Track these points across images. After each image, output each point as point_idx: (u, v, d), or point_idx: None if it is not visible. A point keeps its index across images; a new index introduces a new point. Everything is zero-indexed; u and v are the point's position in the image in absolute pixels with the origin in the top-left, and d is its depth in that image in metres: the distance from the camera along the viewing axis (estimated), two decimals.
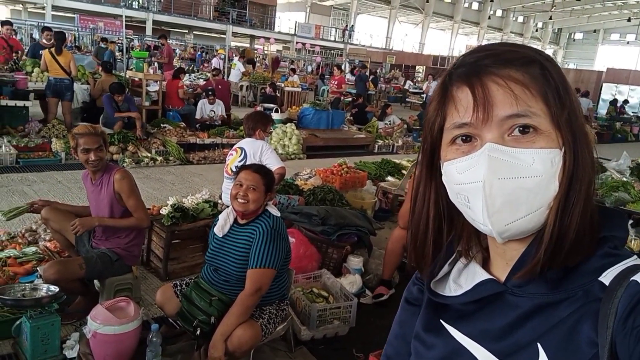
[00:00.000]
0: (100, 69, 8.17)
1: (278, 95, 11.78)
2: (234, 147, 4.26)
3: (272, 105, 9.61)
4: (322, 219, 3.75)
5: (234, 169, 3.97)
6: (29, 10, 28.54)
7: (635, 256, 0.63)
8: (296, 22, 33.95)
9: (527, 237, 0.65)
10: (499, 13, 47.59)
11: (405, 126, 11.78)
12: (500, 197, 0.61)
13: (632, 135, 17.05)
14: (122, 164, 6.64)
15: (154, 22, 27.26)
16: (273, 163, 3.99)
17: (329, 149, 9.30)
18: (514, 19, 48.87)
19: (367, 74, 19.12)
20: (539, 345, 0.62)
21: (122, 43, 14.53)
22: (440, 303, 0.76)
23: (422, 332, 0.78)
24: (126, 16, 26.71)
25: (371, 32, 39.73)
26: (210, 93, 9.06)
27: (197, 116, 8.91)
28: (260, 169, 2.66)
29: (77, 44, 19.62)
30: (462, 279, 0.75)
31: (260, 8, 32.50)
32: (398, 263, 3.72)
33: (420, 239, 0.76)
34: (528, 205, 0.61)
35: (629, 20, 41.83)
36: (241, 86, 15.06)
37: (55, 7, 24.74)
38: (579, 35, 56.23)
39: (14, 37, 9.21)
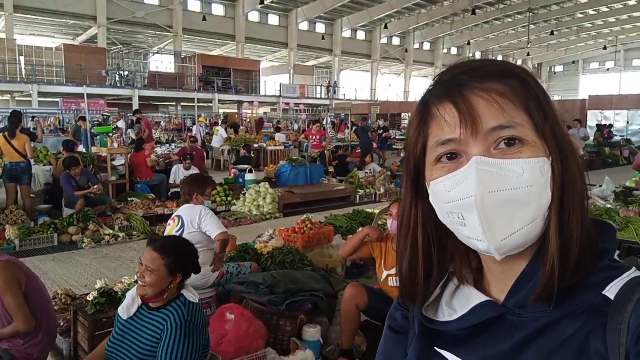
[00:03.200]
0: (62, 148, 7.96)
1: (252, 155, 11.53)
2: (173, 215, 3.88)
3: (245, 166, 9.33)
4: (268, 286, 3.31)
5: None
6: (16, 99, 29.08)
7: (634, 268, 0.63)
8: (281, 83, 34.58)
9: (525, 252, 0.64)
10: (477, 55, 48.76)
11: (389, 173, 11.48)
12: (493, 211, 0.59)
13: (623, 158, 16.75)
14: (80, 244, 6.24)
15: (140, 97, 27.67)
16: (213, 229, 3.60)
17: (308, 204, 8.94)
18: (494, 58, 49.92)
19: (354, 126, 19.20)
20: None
21: (99, 120, 14.43)
22: (432, 330, 0.72)
23: None
24: (112, 95, 27.43)
25: (355, 85, 40.47)
26: (187, 157, 8.83)
27: (171, 181, 8.61)
28: (163, 247, 2.22)
29: (61, 127, 19.72)
30: (455, 303, 0.71)
31: (244, 74, 33.18)
32: (357, 326, 3.25)
33: (412, 267, 0.72)
34: (522, 217, 0.60)
35: (604, 48, 42.78)
36: (222, 150, 14.96)
37: (41, 94, 25.16)
38: (559, 68, 57.34)
39: None
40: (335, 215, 6.35)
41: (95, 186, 7.18)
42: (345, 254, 3.47)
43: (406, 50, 43.38)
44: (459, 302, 0.71)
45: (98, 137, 8.55)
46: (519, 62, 51.46)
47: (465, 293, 0.71)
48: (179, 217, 3.72)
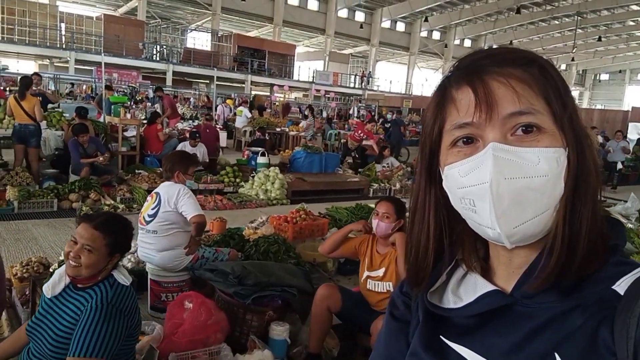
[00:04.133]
0: (75, 115, 7.91)
1: (267, 138, 11.30)
2: (152, 192, 3.69)
3: (258, 149, 9.12)
4: (237, 277, 3.08)
5: (147, 218, 3.40)
6: (55, 64, 29.62)
7: None
8: (315, 70, 34.24)
9: (535, 244, 0.63)
10: None
11: (409, 169, 11.11)
12: (507, 197, 0.59)
13: None
14: (79, 212, 6.16)
15: (175, 72, 27.77)
16: (189, 210, 3.40)
17: (319, 193, 8.69)
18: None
19: (381, 118, 18.74)
20: (556, 355, 0.59)
21: (124, 92, 14.47)
22: (438, 318, 0.71)
23: (421, 351, 0.71)
24: (147, 68, 27.69)
25: (391, 77, 39.80)
26: (196, 136, 8.68)
27: None
28: (103, 224, 2.01)
29: (93, 95, 19.96)
30: (461, 291, 0.70)
31: (279, 58, 32.96)
32: (327, 329, 3.00)
33: (422, 251, 0.73)
34: (535, 206, 0.60)
35: None
36: (244, 131, 14.80)
37: (78, 61, 25.53)
38: (604, 77, 55.09)
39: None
40: (337, 208, 6.08)
41: (101, 155, 7.09)
42: (324, 251, 3.21)
43: (446, 46, 42.27)
44: (465, 290, 0.70)
45: (113, 106, 8.45)
46: (562, 67, 49.87)
47: (472, 281, 0.70)
48: (157, 194, 3.53)
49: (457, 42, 43.46)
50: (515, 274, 0.66)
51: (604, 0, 33.10)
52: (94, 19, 28.25)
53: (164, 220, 3.42)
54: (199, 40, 36.17)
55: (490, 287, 0.67)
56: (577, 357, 0.58)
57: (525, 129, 0.60)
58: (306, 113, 15.13)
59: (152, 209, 3.47)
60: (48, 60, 29.68)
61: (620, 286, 0.60)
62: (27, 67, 29.01)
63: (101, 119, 9.09)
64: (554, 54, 46.70)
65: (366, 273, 3.02)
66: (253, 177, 8.07)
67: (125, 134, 8.37)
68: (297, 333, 3.23)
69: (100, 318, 1.82)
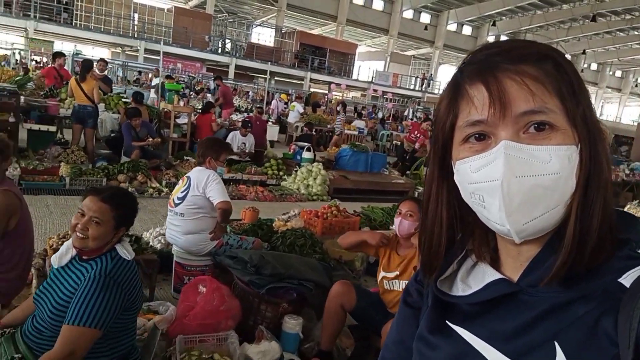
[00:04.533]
0: (132, 99, 8.24)
1: (314, 134, 11.30)
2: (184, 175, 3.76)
3: (305, 144, 9.14)
4: (254, 266, 3.08)
5: (176, 201, 3.46)
6: (126, 52, 31.06)
7: None
8: (375, 70, 34.00)
9: (542, 237, 0.64)
10: (593, 67, 44.74)
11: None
12: (518, 196, 0.60)
13: None
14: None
15: (237, 66, 28.39)
16: (216, 196, 3.43)
17: (362, 192, 8.59)
18: (611, 73, 45.68)
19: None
20: (555, 343, 0.60)
21: (184, 81, 14.94)
22: (446, 304, 0.74)
23: (427, 334, 0.75)
24: (211, 60, 28.51)
25: None
26: (248, 125, 8.82)
27: None
28: (111, 197, 2.04)
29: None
30: (470, 279, 0.73)
31: (340, 56, 32.98)
32: (340, 327, 2.93)
33: (436, 240, 0.74)
34: (546, 203, 0.60)
35: None
36: (296, 126, 14.92)
37: (147, 50, 26.63)
38: None
39: (65, 68, 9.62)
40: (373, 207, 5.98)
41: (152, 139, 7.34)
42: (343, 245, 3.14)
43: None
44: (474, 279, 0.72)
45: (167, 93, 8.73)
46: None
47: (481, 270, 0.72)
48: (188, 177, 3.60)
49: None
50: (522, 266, 0.67)
51: None
52: (165, 10, 29.37)
53: (192, 204, 3.47)
54: (263, 36, 36.87)
55: (497, 276, 0.69)
56: (577, 346, 0.59)
57: (538, 127, 0.61)
58: (338, 109, 14.96)
59: (182, 192, 3.53)
60: (120, 49, 31.17)
61: (627, 279, 0.60)
62: (101, 53, 30.54)
63: (158, 106, 9.42)
64: (632, 66, 43.98)
65: (382, 274, 2.94)
66: (296, 171, 8.09)
67: (178, 120, 8.62)
68: (312, 329, 3.19)
69: (97, 289, 1.85)
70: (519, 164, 0.60)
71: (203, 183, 3.46)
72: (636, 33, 36.45)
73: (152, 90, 12.58)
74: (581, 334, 0.59)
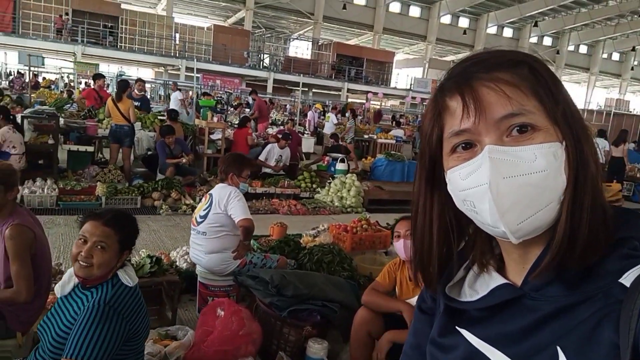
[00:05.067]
0: (167, 117, 8.36)
1: (342, 144, 11.12)
2: (207, 193, 3.69)
3: (339, 155, 8.99)
4: (275, 287, 2.94)
5: (199, 219, 3.39)
6: (169, 71, 32.01)
7: None
8: (413, 77, 33.61)
9: (542, 238, 0.65)
10: None
11: None
12: (509, 196, 0.61)
13: None
14: (159, 210, 6.46)
15: (275, 80, 28.72)
16: (238, 214, 3.33)
17: (398, 203, 8.35)
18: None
19: None
20: (558, 348, 0.61)
21: (221, 97, 15.15)
22: (456, 310, 0.75)
23: (438, 338, 0.77)
24: (249, 75, 28.97)
25: None
26: (289, 137, 8.77)
27: (262, 158, 8.56)
28: (114, 220, 1.95)
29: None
30: (477, 285, 0.74)
31: (377, 65, 32.84)
32: (368, 356, 2.74)
33: (426, 253, 0.76)
34: (538, 201, 0.61)
35: None
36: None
37: (188, 69, 27.34)
38: None
39: (105, 89, 9.90)
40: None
41: (185, 156, 7.39)
42: (365, 303, 2.82)
43: (558, 52, 39.36)
44: (481, 285, 0.73)
45: (202, 109, 8.81)
46: None
47: (487, 276, 0.73)
48: (210, 195, 3.52)
49: (571, 47, 40.31)
50: (525, 270, 0.68)
51: None
52: (205, 29, 30.14)
53: (214, 222, 3.39)
54: (300, 49, 37.15)
55: (501, 281, 0.70)
56: (579, 350, 0.59)
57: (520, 129, 0.62)
58: (347, 115, 14.60)
59: (204, 210, 3.45)
60: (163, 68, 32.17)
61: (627, 279, 0.60)
62: (146, 73, 31.57)
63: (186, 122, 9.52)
64: None
65: None
66: (329, 183, 7.96)
67: (212, 136, 8.68)
68: (338, 352, 3.03)
69: (95, 319, 1.75)
70: (505, 165, 0.61)
71: (225, 200, 3.37)
72: None
73: (172, 104, 12.56)
74: (583, 337, 0.59)
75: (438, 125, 0.69)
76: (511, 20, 36.10)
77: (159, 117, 8.96)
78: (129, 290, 1.91)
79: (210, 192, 3.59)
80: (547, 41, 40.50)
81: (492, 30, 37.76)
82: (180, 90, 14.37)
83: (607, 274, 0.61)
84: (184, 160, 7.39)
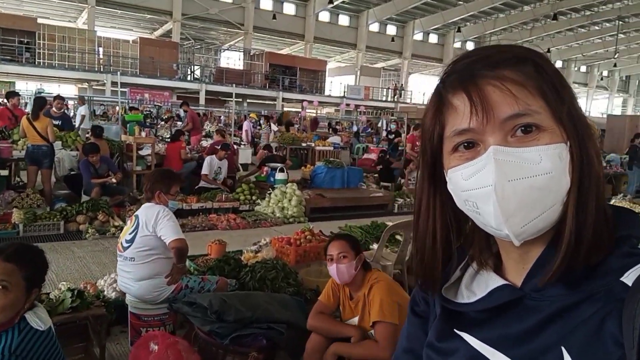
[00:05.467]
0: (90, 134, 7.80)
1: (278, 154, 10.93)
2: (132, 214, 3.36)
3: (277, 165, 8.75)
4: (215, 312, 2.68)
5: (125, 244, 3.07)
6: (93, 87, 30.49)
7: None
8: (346, 84, 34.03)
9: (542, 238, 0.64)
10: (559, 64, 45.57)
11: None
12: (514, 199, 0.60)
13: None
14: (85, 235, 5.95)
15: (208, 92, 28.11)
16: (168, 234, 3.03)
17: (340, 210, 8.26)
18: (576, 69, 46.58)
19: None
20: (562, 348, 0.60)
21: (150, 111, 14.52)
22: (453, 312, 0.73)
23: (436, 342, 0.75)
24: (181, 88, 28.16)
25: (424, 90, 39.11)
26: (227, 147, 8.41)
27: (205, 172, 8.14)
28: (16, 255, 1.65)
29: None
30: (474, 286, 0.73)
31: (310, 74, 33.00)
32: None
33: (429, 253, 0.74)
34: (542, 203, 0.60)
35: None
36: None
37: (114, 84, 26.15)
38: None
39: (20, 107, 9.14)
40: (351, 226, 5.63)
41: (112, 176, 6.90)
42: (312, 328, 2.67)
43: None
44: (478, 286, 0.72)
45: (128, 124, 8.31)
46: (604, 74, 47.83)
47: (485, 277, 0.72)
48: (136, 217, 3.20)
49: None
50: (525, 270, 0.67)
51: None
52: (130, 42, 29.00)
53: (142, 245, 3.07)
54: (232, 60, 36.62)
55: (501, 282, 0.69)
56: (583, 349, 0.58)
57: (525, 130, 0.61)
58: (261, 122, 14.50)
59: (130, 233, 3.13)
60: (87, 84, 30.62)
61: (629, 277, 0.59)
62: (68, 90, 29.92)
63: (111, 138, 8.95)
64: (595, 60, 44.99)
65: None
66: (269, 194, 7.72)
67: (141, 152, 8.20)
68: None
69: None
70: (510, 167, 0.60)
71: (153, 221, 3.06)
72: (597, 28, 37.31)
73: (78, 119, 12.15)
74: (587, 337, 0.59)
75: (439, 123, 0.67)
76: (436, 26, 37.46)
77: (79, 135, 8.34)
78: (39, 334, 1.62)
79: (136, 213, 3.26)
80: (470, 45, 42.34)
81: (418, 36, 39.00)
82: (85, 104, 13.65)
83: (609, 272, 0.61)
84: (113, 180, 6.89)
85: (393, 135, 15.25)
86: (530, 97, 0.61)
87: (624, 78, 50.09)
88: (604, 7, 33.01)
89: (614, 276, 0.60)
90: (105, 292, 3.65)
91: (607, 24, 36.14)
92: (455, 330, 0.72)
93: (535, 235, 0.62)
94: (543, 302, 0.63)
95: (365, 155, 11.06)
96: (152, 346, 2.45)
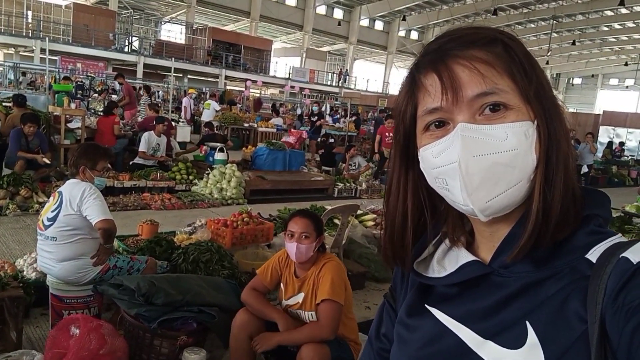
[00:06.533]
0: (12, 103, 7.25)
1: (217, 133, 10.68)
2: (55, 190, 3.15)
3: (217, 144, 8.52)
4: (144, 295, 2.58)
5: (46, 222, 2.87)
6: (20, 53, 28.42)
7: (619, 234, 0.64)
8: (292, 66, 33.70)
9: (512, 216, 0.65)
10: None
11: (376, 168, 10.68)
12: (477, 174, 0.61)
13: (630, 179, 15.75)
14: (5, 211, 5.56)
15: (146, 65, 26.96)
16: (95, 214, 2.86)
17: (280, 192, 8.21)
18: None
19: (354, 116, 18.27)
20: (527, 323, 0.61)
21: (83, 82, 13.72)
22: (425, 287, 0.76)
23: (406, 317, 0.77)
24: (116, 59, 26.79)
25: (368, 76, 39.51)
26: (163, 120, 8.01)
27: (143, 149, 7.76)
28: None
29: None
30: (446, 261, 0.74)
31: (255, 53, 32.34)
32: None
33: (398, 232, 0.75)
34: (507, 180, 0.61)
35: (626, 64, 41.50)
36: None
37: (44, 51, 24.48)
38: (577, 80, 55.67)
39: None
40: (289, 209, 5.60)
41: (43, 156, 6.43)
42: (244, 301, 2.62)
43: (423, 45, 42.16)
44: (449, 261, 0.73)
45: (56, 95, 7.80)
46: None
47: (456, 253, 0.73)
48: (59, 193, 3.00)
49: None
50: (494, 246, 0.68)
51: (579, 5, 33.38)
52: (63, 7, 27.21)
53: (66, 225, 2.89)
54: (173, 33, 35.23)
55: (470, 258, 0.70)
56: (547, 324, 0.60)
57: (493, 108, 0.62)
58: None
59: (52, 211, 2.93)
60: (13, 49, 28.48)
61: (593, 254, 0.61)
62: None
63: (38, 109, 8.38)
64: None
65: (284, 302, 2.57)
66: (208, 174, 7.53)
67: (70, 125, 7.73)
68: (220, 359, 2.75)
69: None
70: (475, 143, 0.61)
71: (78, 199, 2.88)
72: (533, 25, 39.02)
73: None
74: (551, 313, 0.60)
75: (412, 103, 0.68)
76: (382, 13, 37.80)
77: (3, 104, 7.73)
78: None
79: (59, 189, 3.06)
80: (414, 35, 43.15)
81: (364, 22, 39.21)
82: None
83: (574, 250, 0.62)
84: (46, 160, 6.42)
85: (316, 118, 14.95)
86: (497, 77, 0.62)
87: (554, 76, 52.89)
88: (540, 5, 34.59)
89: (579, 253, 0.62)
90: (25, 272, 3.42)
91: (543, 23, 37.92)
92: (425, 305, 0.74)
93: (502, 212, 0.63)
94: (509, 279, 0.65)
95: (284, 139, 10.89)
96: (73, 330, 2.32)
